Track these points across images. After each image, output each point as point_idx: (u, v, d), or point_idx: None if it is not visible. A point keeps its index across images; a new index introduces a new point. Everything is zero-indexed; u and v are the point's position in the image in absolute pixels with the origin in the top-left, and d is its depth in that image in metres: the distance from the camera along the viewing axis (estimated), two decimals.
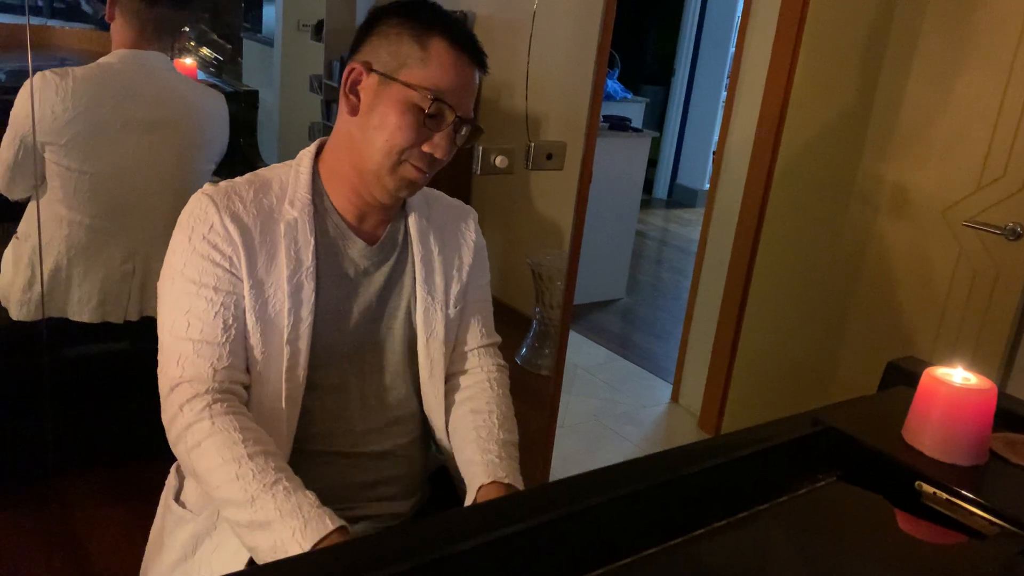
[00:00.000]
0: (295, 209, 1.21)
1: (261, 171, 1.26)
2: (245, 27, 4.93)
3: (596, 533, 0.91)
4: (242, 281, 1.17)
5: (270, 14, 5.18)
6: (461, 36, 1.19)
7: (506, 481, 1.23)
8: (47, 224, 2.05)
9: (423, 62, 1.17)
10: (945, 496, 1.01)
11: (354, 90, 1.21)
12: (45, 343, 2.08)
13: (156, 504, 1.35)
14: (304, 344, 1.20)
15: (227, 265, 1.16)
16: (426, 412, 1.36)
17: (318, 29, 4.52)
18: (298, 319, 1.19)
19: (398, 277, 1.31)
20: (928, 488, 1.02)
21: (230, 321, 1.16)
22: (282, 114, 4.93)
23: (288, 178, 1.24)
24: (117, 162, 2.06)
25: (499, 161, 2.09)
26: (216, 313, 1.15)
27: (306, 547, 1.02)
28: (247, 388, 1.20)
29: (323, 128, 4.51)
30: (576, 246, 2.36)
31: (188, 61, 2.95)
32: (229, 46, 3.87)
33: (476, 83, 1.23)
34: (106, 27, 2.25)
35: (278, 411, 1.20)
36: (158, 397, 1.19)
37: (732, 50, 6.25)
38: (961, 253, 2.25)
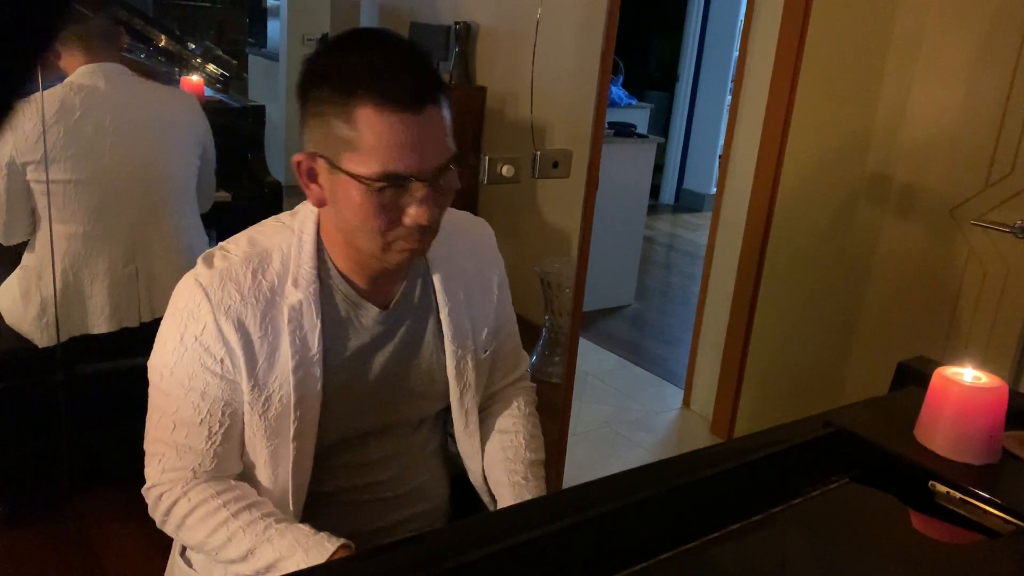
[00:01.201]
0: (299, 290, 1.10)
1: (259, 238, 1.14)
2: (250, 42, 4.97)
3: (610, 539, 0.91)
4: (238, 383, 1.09)
5: (275, 29, 5.23)
6: (390, 85, 0.98)
7: None
8: (47, 245, 2.09)
9: (357, 145, 0.99)
10: (959, 495, 1.01)
11: (313, 178, 1.07)
12: (60, 361, 2.10)
13: None
14: (311, 439, 1.14)
15: (219, 370, 1.08)
16: (463, 459, 1.33)
17: (323, 42, 4.53)
18: (305, 411, 1.12)
19: (418, 337, 1.22)
20: (942, 488, 1.02)
21: (215, 428, 1.10)
22: (288, 128, 4.95)
23: (290, 250, 1.12)
24: (94, 168, 2.10)
25: (505, 170, 2.10)
26: (202, 420, 1.10)
27: None
28: (235, 475, 1.16)
29: None
30: (584, 253, 2.37)
31: (195, 78, 2.98)
32: (234, 62, 3.89)
33: (433, 123, 1.02)
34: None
35: (284, 502, 1.16)
36: None
37: (735, 54, 6.25)
38: (970, 252, 2.25)
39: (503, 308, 1.33)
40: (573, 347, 2.50)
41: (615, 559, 0.86)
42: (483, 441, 1.33)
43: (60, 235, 2.10)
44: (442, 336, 1.23)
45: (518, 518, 0.99)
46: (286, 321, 1.10)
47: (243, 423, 1.12)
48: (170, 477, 1.12)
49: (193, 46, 3.51)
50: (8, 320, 2.17)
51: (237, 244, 1.14)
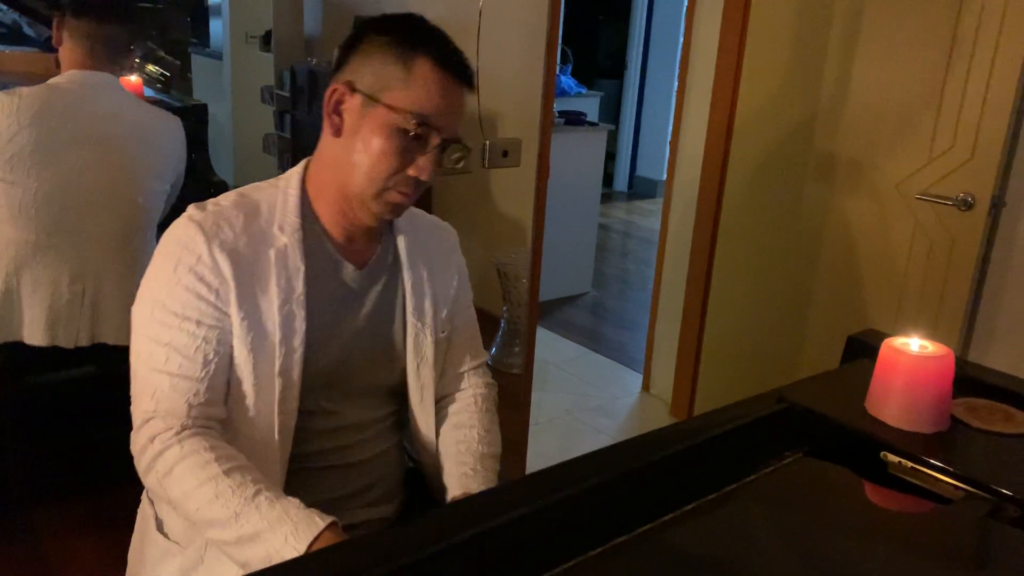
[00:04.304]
0: (285, 234, 1.18)
1: (247, 191, 1.23)
2: (193, 42, 4.88)
3: (569, 524, 0.90)
4: (229, 316, 1.14)
5: (217, 28, 5.13)
6: (448, 55, 1.16)
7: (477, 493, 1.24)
8: None
9: (407, 84, 1.14)
10: (910, 464, 1.02)
11: (337, 111, 1.18)
12: (2, 371, 2.03)
13: (129, 532, 1.32)
14: (296, 374, 1.18)
15: (213, 298, 1.13)
16: (415, 434, 1.36)
17: (266, 40, 4.48)
18: (290, 349, 1.17)
19: (388, 301, 1.30)
20: (893, 457, 1.03)
21: (211, 356, 1.13)
22: (235, 127, 4.88)
23: (276, 200, 1.21)
24: (61, 177, 2.02)
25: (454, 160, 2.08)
26: (197, 348, 1.13)
27: (301, 549, 1.01)
28: (220, 422, 1.17)
29: (277, 139, 4.47)
30: (538, 243, 2.37)
31: (133, 78, 2.91)
32: (178, 63, 3.82)
33: (463, 102, 1.19)
34: (51, 49, 2.21)
35: (271, 441, 1.18)
36: (124, 423, 1.17)
37: (682, 39, 6.30)
38: (916, 226, 2.28)
39: (462, 301, 1.40)
40: (531, 337, 2.50)
41: (575, 544, 0.86)
42: (438, 432, 1.37)
43: (11, 240, 2.00)
44: (405, 308, 1.30)
45: (479, 507, 0.99)
46: (273, 261, 1.17)
47: (232, 357, 1.16)
48: (164, 407, 1.12)
49: (134, 48, 3.43)
50: None
51: (226, 197, 1.20)
